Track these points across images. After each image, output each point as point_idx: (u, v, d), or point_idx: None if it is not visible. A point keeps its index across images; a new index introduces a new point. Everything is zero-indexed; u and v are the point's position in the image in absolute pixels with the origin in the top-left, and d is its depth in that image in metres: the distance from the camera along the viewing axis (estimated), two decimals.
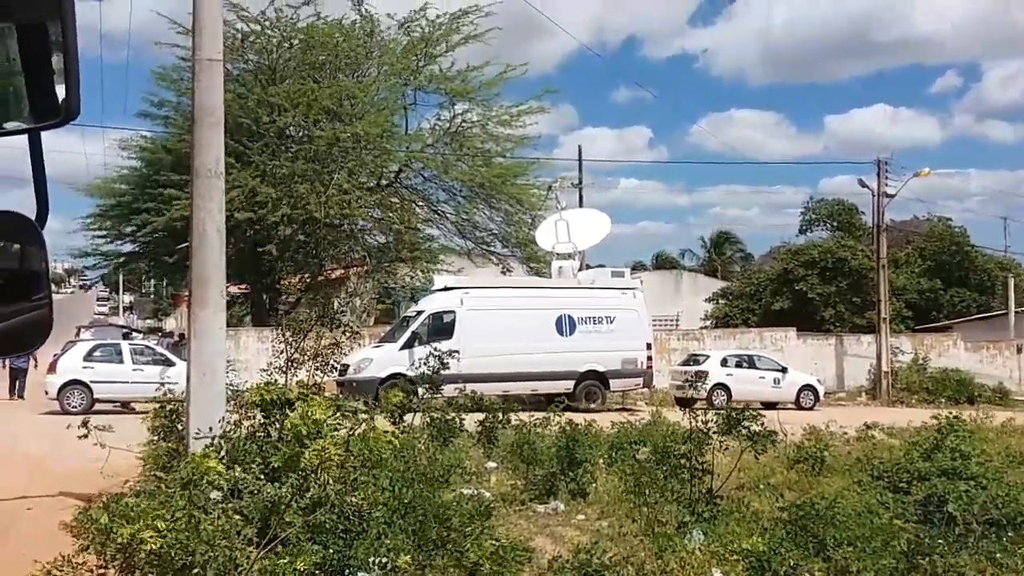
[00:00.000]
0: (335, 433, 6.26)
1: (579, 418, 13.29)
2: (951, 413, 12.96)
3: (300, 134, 29.75)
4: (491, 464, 12.90)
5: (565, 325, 23.51)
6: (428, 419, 13.16)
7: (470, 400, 16.00)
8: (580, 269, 26.47)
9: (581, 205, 34.26)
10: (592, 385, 23.55)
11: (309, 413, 6.22)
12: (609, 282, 25.16)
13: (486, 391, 18.42)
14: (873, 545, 7.53)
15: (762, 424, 10.13)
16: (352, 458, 6.00)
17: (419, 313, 23.38)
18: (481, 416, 14.41)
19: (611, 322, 23.89)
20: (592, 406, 21.97)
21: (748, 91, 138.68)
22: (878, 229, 33.52)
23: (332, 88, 29.11)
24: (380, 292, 36.39)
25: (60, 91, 1.81)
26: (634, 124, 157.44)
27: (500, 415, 14.36)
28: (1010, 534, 9.09)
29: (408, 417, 12.84)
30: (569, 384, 23.00)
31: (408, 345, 21.63)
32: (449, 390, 16.16)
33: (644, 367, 24.21)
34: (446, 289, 23.76)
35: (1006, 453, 13.76)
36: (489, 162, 32.00)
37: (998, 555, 8.59)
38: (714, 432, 10.11)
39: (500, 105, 32.26)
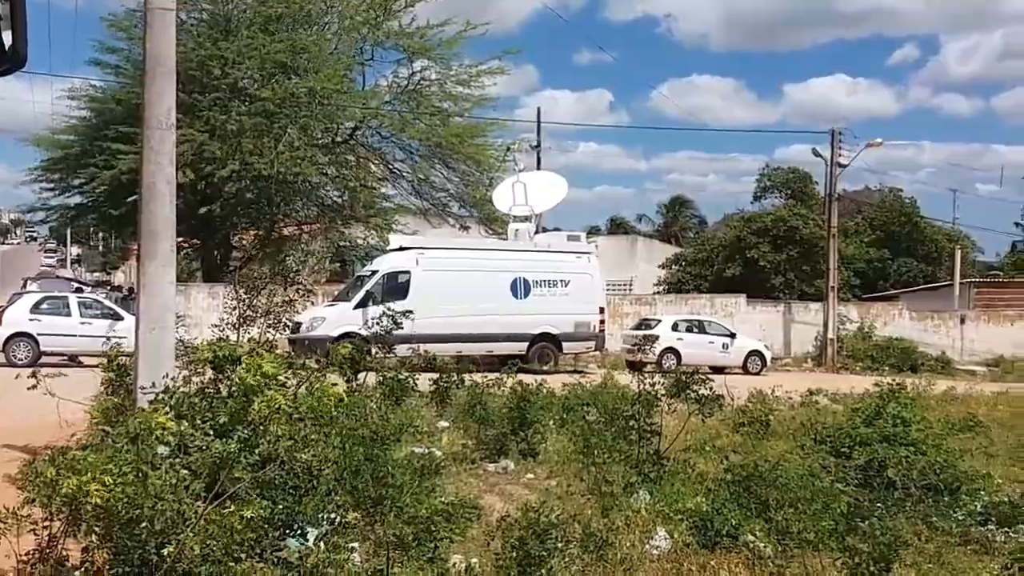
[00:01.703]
0: (284, 388, 6.24)
1: (531, 379, 13.38)
2: (894, 381, 13.23)
3: (253, 88, 29.21)
4: (443, 424, 12.95)
5: (520, 288, 23.61)
6: (381, 378, 13.16)
7: (424, 360, 16.02)
8: (536, 232, 26.50)
9: (539, 167, 34.20)
10: (545, 347, 23.73)
11: (258, 366, 6.18)
12: (564, 246, 25.26)
13: (440, 352, 18.46)
14: (814, 507, 7.70)
15: (710, 388, 10.29)
16: (301, 411, 5.99)
17: (373, 272, 23.28)
18: (434, 376, 14.44)
19: (565, 286, 24.01)
20: (545, 368, 22.12)
21: (709, 57, 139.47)
22: (830, 198, 33.97)
23: (286, 41, 28.57)
24: (334, 251, 36.10)
25: (6, 38, 1.75)
26: (595, 87, 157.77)
27: (453, 375, 14.40)
28: (946, 499, 9.35)
29: (361, 376, 12.83)
30: (523, 346, 23.17)
31: (362, 304, 21.56)
32: (403, 350, 16.17)
33: (596, 330, 24.43)
34: (401, 249, 23.65)
35: (946, 420, 14.13)
36: (447, 121, 31.74)
37: (934, 519, 8.84)
38: (663, 395, 10.25)
39: (460, 64, 32.01)
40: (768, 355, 28.13)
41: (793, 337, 33.76)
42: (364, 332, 18.11)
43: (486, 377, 13.88)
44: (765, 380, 21.91)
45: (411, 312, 15.89)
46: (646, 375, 10.80)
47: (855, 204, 48.52)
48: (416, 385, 13.46)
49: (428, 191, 33.57)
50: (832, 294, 33.14)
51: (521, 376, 13.77)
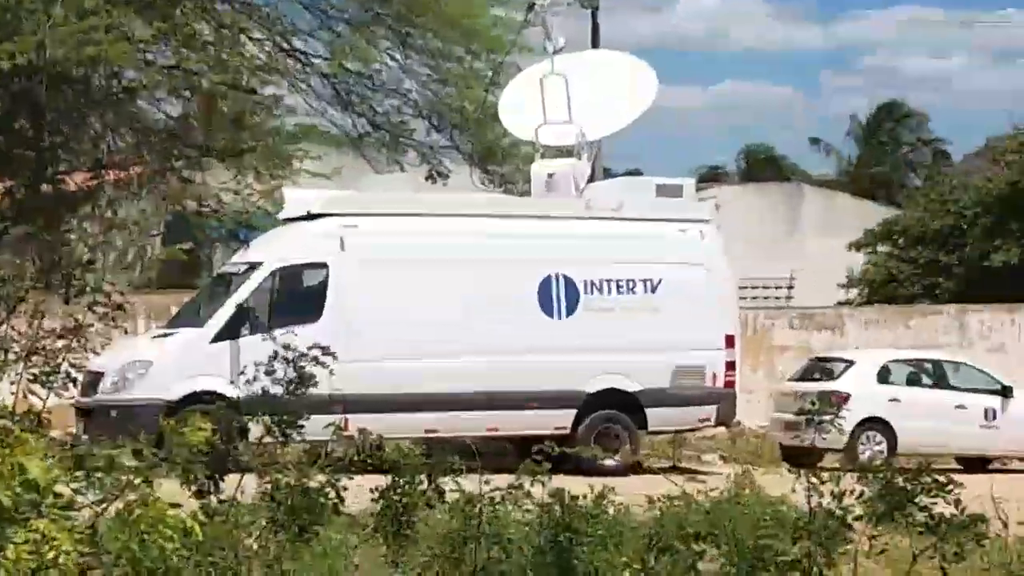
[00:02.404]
0: (69, 511, 6.30)
1: (583, 485, 13.43)
2: None
3: None
4: None
5: (558, 295, 23.78)
6: (270, 487, 13.23)
7: (359, 448, 16.11)
8: (591, 179, 26.51)
9: (596, 46, 34.28)
10: (611, 419, 23.91)
11: (16, 465, 6.25)
12: (651, 207, 25.33)
13: (391, 430, 18.53)
14: None
15: (956, 502, 10.30)
16: (104, 560, 6.03)
17: (252, 267, 23.44)
18: (382, 481, 14.52)
19: (652, 290, 24.18)
20: (611, 461, 22.16)
21: None
22: None
23: None
24: (171, 221, 36.28)
25: None
26: None
27: (420, 479, 14.47)
28: None
29: (228, 483, 12.91)
30: (566, 416, 23.33)
31: (229, 333, 21.78)
32: (316, 427, 16.25)
33: (718, 384, 24.53)
34: (311, 217, 23.77)
35: None
36: None
37: None
38: (858, 517, 10.28)
39: None
40: None
41: None
42: (233, 391, 18.21)
43: (488, 482, 13.95)
44: None
45: (330, 350, 15.95)
46: (822, 476, 10.84)
47: None
48: (343, 501, 13.54)
49: (365, 97, 33.70)
50: None
51: (563, 479, 13.85)
